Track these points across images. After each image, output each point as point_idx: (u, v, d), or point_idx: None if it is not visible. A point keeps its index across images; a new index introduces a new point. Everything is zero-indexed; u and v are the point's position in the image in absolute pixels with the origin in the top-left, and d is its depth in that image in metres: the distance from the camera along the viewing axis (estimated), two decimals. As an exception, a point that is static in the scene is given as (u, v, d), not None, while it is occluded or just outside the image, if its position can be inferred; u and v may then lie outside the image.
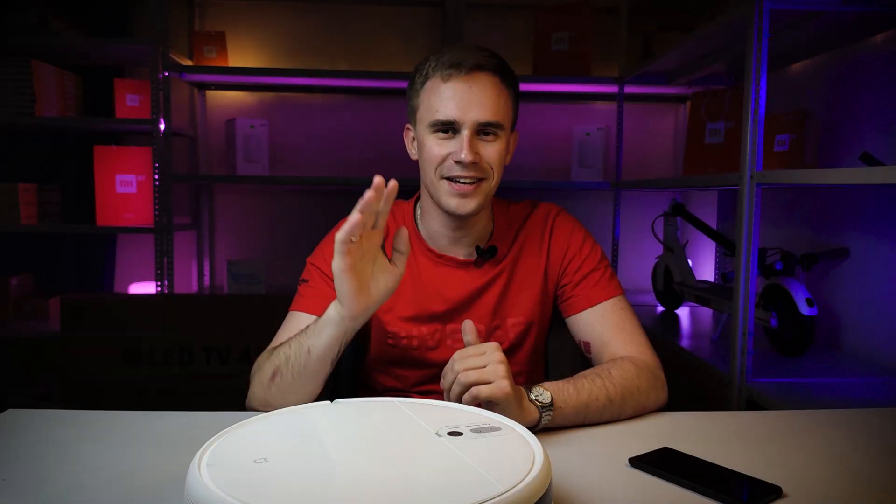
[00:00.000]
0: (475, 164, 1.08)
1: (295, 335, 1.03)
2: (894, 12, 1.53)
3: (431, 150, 1.10)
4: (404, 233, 0.95)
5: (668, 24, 2.62)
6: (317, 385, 1.01)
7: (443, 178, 1.10)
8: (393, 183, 0.86)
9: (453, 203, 1.10)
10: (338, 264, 0.88)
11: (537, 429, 0.93)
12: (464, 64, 1.08)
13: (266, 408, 1.02)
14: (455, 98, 1.07)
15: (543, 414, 0.93)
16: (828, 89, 1.95)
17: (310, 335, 0.99)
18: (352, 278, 0.89)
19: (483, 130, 1.09)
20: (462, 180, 1.09)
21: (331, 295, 1.13)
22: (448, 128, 1.09)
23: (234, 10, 2.76)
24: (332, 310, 0.95)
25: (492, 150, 1.10)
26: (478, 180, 1.10)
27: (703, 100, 2.10)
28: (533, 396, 0.94)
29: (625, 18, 2.54)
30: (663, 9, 2.73)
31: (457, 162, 1.08)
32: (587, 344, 1.16)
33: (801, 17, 1.63)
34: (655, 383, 1.07)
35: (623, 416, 1.03)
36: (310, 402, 0.98)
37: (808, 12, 1.58)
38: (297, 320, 1.14)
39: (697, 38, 1.94)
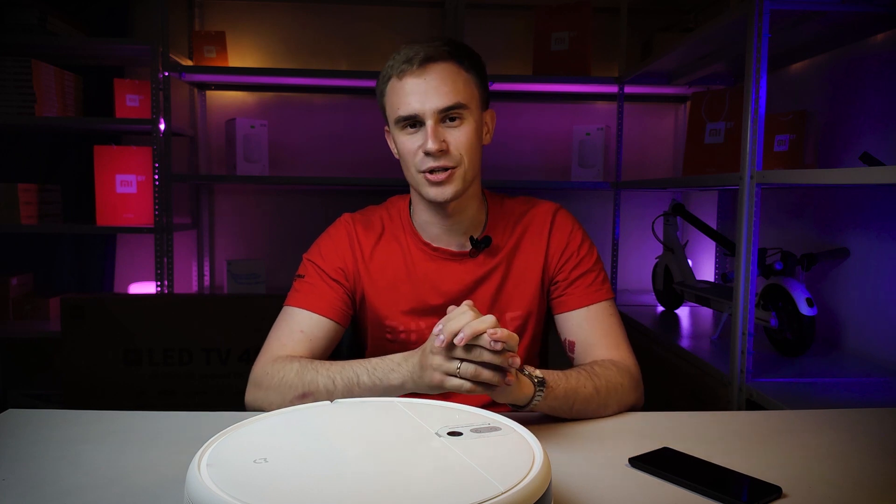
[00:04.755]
0: (443, 153, 1.11)
1: (344, 365, 1.03)
2: (894, 12, 1.53)
3: (404, 146, 1.14)
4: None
5: (668, 24, 2.62)
6: None
7: (419, 171, 1.13)
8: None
9: (432, 192, 1.13)
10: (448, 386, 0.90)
11: (531, 404, 0.95)
12: (415, 59, 1.11)
13: (277, 405, 1.03)
14: (412, 93, 1.11)
15: (538, 390, 0.95)
16: (828, 89, 1.95)
17: (369, 389, 1.00)
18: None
19: (448, 116, 1.11)
20: (435, 171, 1.11)
21: (327, 292, 1.17)
22: (413, 122, 1.12)
23: (234, 10, 2.76)
24: (409, 379, 0.97)
25: (459, 135, 1.12)
26: (450, 168, 1.12)
27: (703, 100, 2.10)
28: (526, 372, 0.96)
29: (625, 18, 2.54)
30: (663, 9, 2.73)
31: (426, 154, 1.11)
32: (572, 343, 1.18)
33: (801, 17, 1.63)
34: (636, 384, 1.11)
35: (608, 411, 1.06)
36: None
37: (808, 12, 1.58)
38: (295, 317, 1.15)
39: (697, 38, 1.94)
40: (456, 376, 0.88)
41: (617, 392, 1.06)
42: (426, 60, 1.11)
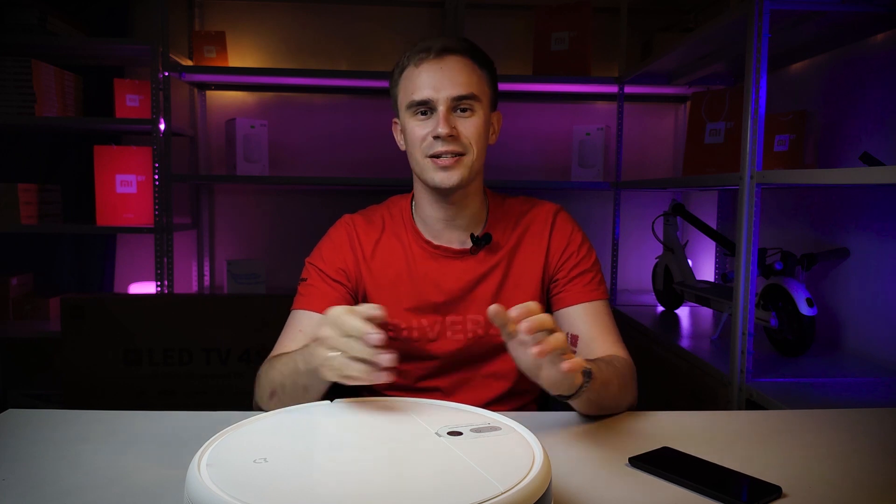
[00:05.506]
0: (453, 138, 1.12)
1: (291, 355, 1.02)
2: (894, 12, 1.53)
3: (413, 131, 1.15)
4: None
5: (668, 24, 2.62)
6: (313, 399, 0.99)
7: (427, 156, 1.14)
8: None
9: (437, 178, 1.14)
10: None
11: (577, 395, 0.93)
12: (433, 48, 1.14)
13: (266, 408, 1.04)
14: (428, 79, 1.13)
15: (585, 380, 0.94)
16: (828, 89, 1.95)
17: (304, 375, 0.96)
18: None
19: (459, 106, 1.14)
20: (443, 155, 1.13)
21: (328, 292, 1.18)
22: (425, 108, 1.14)
23: (234, 10, 2.76)
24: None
25: (469, 125, 1.14)
26: (458, 155, 1.14)
27: (703, 100, 2.10)
28: None
29: (625, 18, 2.54)
30: (663, 9, 2.73)
31: (435, 138, 1.12)
32: (575, 337, 1.18)
33: (801, 17, 1.63)
34: (636, 384, 1.12)
35: (620, 408, 1.06)
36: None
37: (808, 12, 1.58)
38: (299, 319, 1.17)
39: (697, 38, 1.94)
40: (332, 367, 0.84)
41: (628, 389, 1.07)
42: (444, 50, 1.14)
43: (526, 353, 0.86)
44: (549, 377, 0.88)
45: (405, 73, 1.17)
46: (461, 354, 1.21)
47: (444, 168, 1.13)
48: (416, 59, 1.15)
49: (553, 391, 0.92)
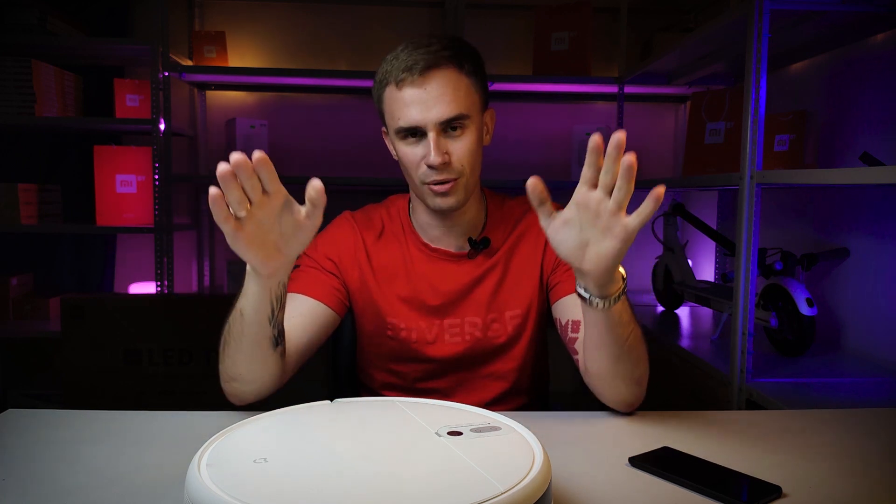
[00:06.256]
0: (446, 165, 1.09)
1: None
2: (894, 12, 1.53)
3: (406, 155, 1.13)
4: (315, 183, 0.88)
5: (668, 24, 2.62)
6: (262, 352, 0.96)
7: (423, 183, 1.12)
8: (258, 154, 0.81)
9: (436, 202, 1.13)
10: (232, 241, 0.83)
11: (615, 301, 0.91)
12: (415, 67, 1.07)
13: (229, 382, 1.00)
14: (413, 103, 1.08)
15: (624, 283, 0.92)
16: (828, 89, 1.95)
17: (240, 297, 0.94)
18: (253, 249, 0.85)
19: (449, 126, 1.09)
20: (439, 182, 1.10)
21: (318, 277, 1.18)
22: (414, 132, 1.10)
23: (234, 10, 2.76)
24: (249, 268, 0.91)
25: (461, 146, 1.10)
26: (452, 180, 1.11)
27: (703, 100, 2.10)
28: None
29: (625, 18, 2.54)
30: (663, 9, 2.73)
31: (429, 166, 1.09)
32: (576, 323, 1.12)
33: (801, 17, 1.63)
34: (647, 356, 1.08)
35: (637, 369, 1.02)
36: (263, 372, 0.97)
37: (808, 12, 1.58)
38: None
39: (697, 38, 1.94)
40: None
41: (644, 349, 1.02)
42: (427, 69, 1.08)
43: (571, 231, 0.86)
44: (598, 254, 0.85)
45: (388, 93, 1.12)
46: (459, 358, 1.20)
47: (442, 194, 1.11)
48: (398, 80, 1.08)
49: (593, 278, 0.88)
